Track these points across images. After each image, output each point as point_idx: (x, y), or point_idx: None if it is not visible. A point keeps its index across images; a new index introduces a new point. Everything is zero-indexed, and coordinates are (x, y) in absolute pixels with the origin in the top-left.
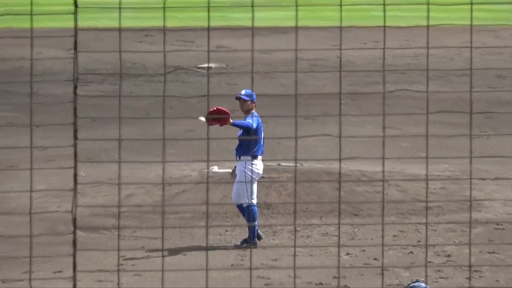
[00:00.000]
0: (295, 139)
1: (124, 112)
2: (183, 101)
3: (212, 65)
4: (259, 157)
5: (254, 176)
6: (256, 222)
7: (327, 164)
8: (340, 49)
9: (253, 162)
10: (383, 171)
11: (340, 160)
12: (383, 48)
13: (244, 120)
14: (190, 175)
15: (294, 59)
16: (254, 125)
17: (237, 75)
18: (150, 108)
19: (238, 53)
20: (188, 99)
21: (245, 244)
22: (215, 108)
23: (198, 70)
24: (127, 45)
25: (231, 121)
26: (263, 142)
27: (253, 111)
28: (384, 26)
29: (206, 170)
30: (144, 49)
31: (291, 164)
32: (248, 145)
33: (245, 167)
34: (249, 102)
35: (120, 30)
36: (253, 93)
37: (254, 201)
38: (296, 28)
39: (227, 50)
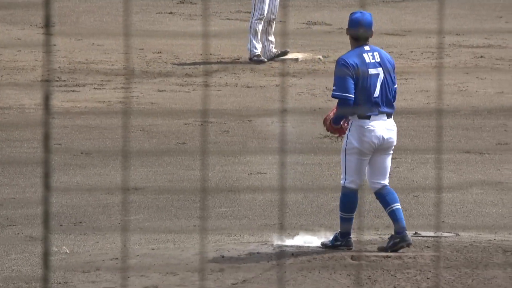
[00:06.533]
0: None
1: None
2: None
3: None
4: (375, 117)
5: (358, 146)
6: (350, 215)
7: (502, 234)
8: None
9: (360, 123)
10: None
11: None
12: None
13: None
14: (258, 253)
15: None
16: (343, 92)
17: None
18: (186, 132)
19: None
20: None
21: (334, 242)
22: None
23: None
24: (148, 20)
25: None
26: (378, 92)
27: (356, 46)
28: None
29: (279, 243)
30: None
31: (438, 234)
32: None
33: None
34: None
35: None
36: (351, 13)
37: (353, 184)
38: None
39: (324, 27)
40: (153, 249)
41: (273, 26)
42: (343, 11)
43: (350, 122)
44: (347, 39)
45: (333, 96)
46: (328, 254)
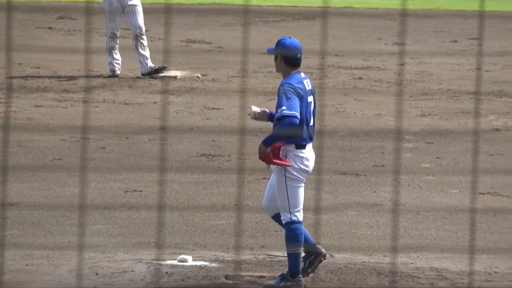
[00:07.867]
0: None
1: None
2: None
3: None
4: (308, 146)
5: (299, 176)
6: (302, 249)
7: (377, 256)
8: None
9: (297, 154)
10: (471, 272)
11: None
12: None
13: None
14: (132, 271)
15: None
16: (293, 111)
17: (223, 92)
18: (63, 148)
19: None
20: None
21: (282, 283)
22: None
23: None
24: (27, 35)
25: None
26: (312, 121)
27: (292, 72)
28: None
29: (165, 263)
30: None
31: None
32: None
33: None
34: (274, 57)
35: None
36: (282, 39)
37: (299, 215)
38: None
39: (203, 45)
40: (27, 265)
41: (143, 41)
42: (222, 30)
43: (285, 154)
44: (225, 57)
45: (283, 115)
46: (202, 273)
